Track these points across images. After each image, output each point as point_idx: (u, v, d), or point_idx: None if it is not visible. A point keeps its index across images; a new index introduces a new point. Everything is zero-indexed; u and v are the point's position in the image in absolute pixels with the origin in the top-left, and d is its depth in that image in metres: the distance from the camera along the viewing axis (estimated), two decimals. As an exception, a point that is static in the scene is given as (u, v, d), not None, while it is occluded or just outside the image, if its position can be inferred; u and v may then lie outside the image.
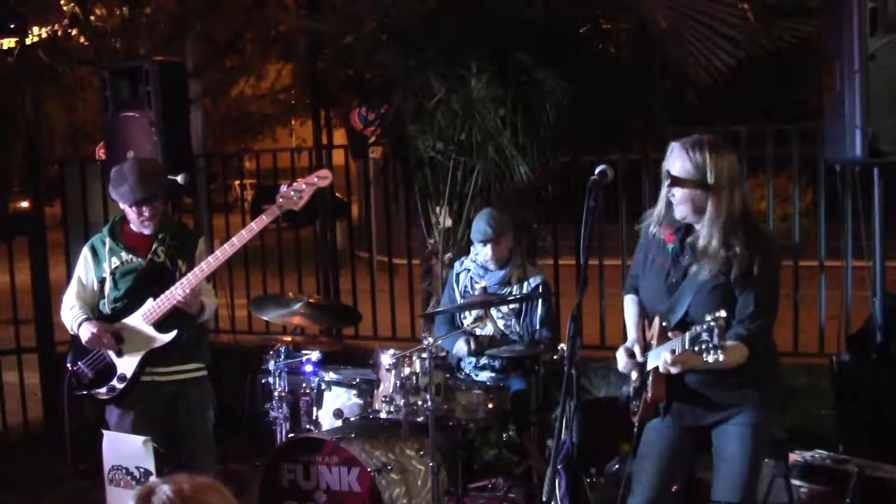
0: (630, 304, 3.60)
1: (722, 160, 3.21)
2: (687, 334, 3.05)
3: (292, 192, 4.17)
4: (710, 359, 2.93)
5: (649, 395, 3.34)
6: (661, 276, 3.39)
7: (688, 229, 3.34)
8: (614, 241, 6.16)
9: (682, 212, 3.29)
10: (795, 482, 4.12)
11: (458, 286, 4.97)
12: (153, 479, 2.28)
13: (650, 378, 3.33)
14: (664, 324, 3.32)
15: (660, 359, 3.22)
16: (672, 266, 3.36)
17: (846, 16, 4.31)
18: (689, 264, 3.30)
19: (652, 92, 5.79)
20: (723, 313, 2.94)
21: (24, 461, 6.13)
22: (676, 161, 3.24)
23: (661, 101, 5.82)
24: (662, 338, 3.28)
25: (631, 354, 3.44)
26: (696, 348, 2.98)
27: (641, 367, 3.40)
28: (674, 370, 3.19)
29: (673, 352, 3.13)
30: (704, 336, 2.95)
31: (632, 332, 3.52)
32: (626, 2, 5.58)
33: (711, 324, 2.93)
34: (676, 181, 3.24)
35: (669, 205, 3.33)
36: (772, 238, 3.37)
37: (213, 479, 2.13)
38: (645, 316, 3.48)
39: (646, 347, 3.40)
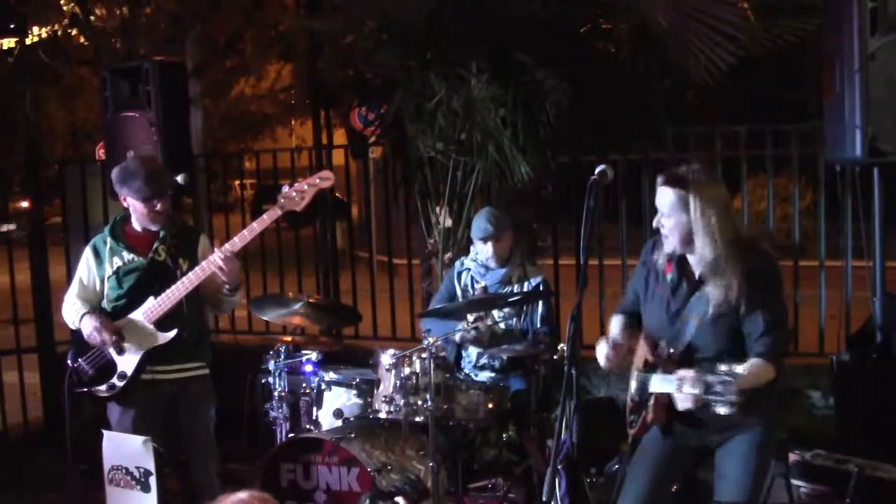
0: (615, 321, 3.61)
1: (703, 191, 3.20)
2: (702, 382, 3.02)
3: (294, 193, 4.16)
4: (721, 411, 2.95)
5: (649, 417, 3.33)
6: (662, 305, 3.39)
7: (682, 260, 3.34)
8: (614, 241, 6.17)
9: (671, 244, 3.30)
10: (795, 482, 4.12)
11: (458, 285, 4.97)
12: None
13: (652, 401, 3.31)
14: (671, 350, 3.30)
15: (668, 386, 3.18)
16: (671, 296, 3.36)
17: (846, 16, 4.30)
18: (689, 295, 3.30)
19: (652, 92, 5.79)
20: (739, 369, 2.96)
21: (24, 461, 6.13)
22: (661, 195, 3.28)
23: (661, 101, 5.82)
24: (670, 365, 3.25)
25: (613, 347, 3.44)
26: (708, 397, 2.99)
27: (642, 385, 3.37)
28: (686, 407, 3.16)
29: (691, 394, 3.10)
30: (718, 388, 2.96)
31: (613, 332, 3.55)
32: (626, 2, 5.58)
33: (727, 378, 2.94)
34: (663, 215, 3.27)
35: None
36: (770, 256, 3.32)
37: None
38: (631, 333, 3.49)
39: (647, 364, 3.37)
